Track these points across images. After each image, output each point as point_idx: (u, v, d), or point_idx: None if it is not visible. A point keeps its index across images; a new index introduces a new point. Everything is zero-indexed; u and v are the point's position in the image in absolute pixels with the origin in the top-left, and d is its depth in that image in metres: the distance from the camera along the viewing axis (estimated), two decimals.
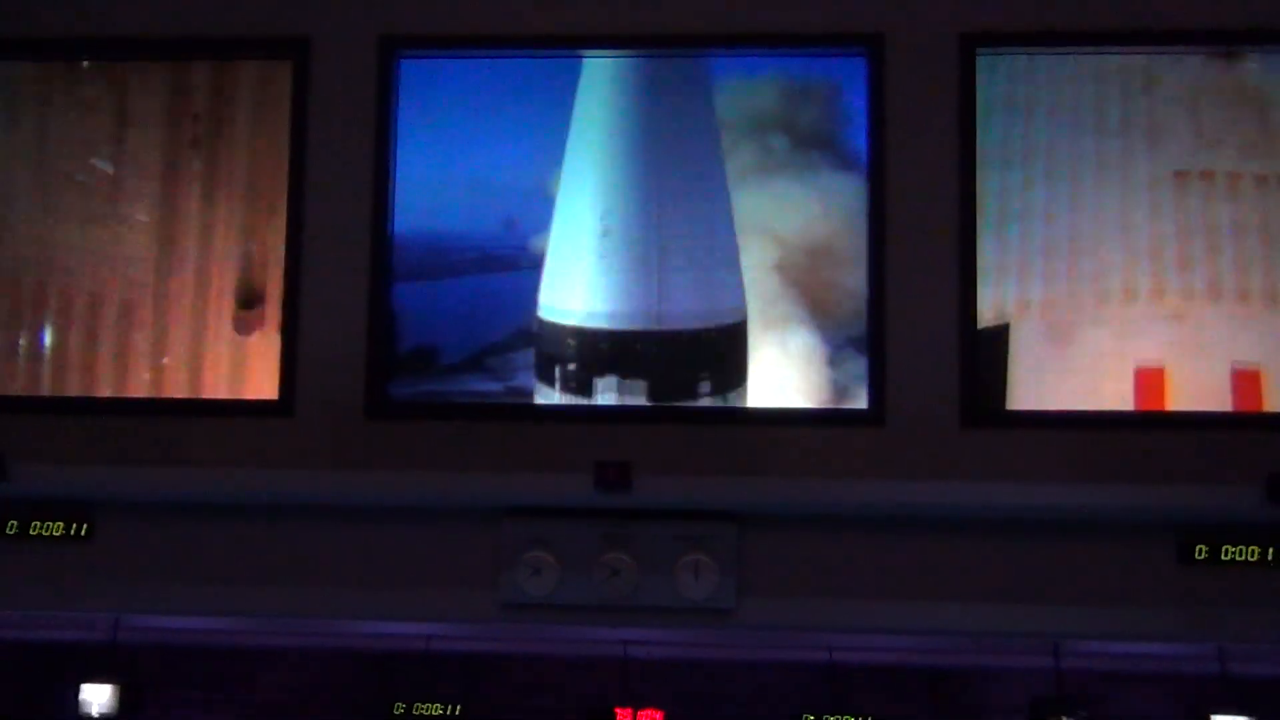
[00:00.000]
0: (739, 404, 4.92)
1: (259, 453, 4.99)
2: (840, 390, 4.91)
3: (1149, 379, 4.52)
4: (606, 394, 4.94)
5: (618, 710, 7.27)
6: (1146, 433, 4.81)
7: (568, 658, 7.81)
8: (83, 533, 5.09)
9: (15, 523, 5.09)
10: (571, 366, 4.97)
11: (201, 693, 8.52)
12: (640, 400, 4.92)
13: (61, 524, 5.09)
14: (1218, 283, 4.56)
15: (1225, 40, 4.97)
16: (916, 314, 4.90)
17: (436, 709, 7.36)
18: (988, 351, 4.76)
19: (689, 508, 4.93)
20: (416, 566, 5.02)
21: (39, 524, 5.09)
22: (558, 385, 4.98)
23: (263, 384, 5.03)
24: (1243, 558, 4.77)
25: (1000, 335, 4.75)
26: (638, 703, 7.29)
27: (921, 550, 4.89)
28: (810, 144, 5.01)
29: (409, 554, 5.02)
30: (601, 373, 4.96)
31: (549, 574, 4.91)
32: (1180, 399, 4.56)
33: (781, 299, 4.94)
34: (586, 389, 4.98)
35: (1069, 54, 5.02)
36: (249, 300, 5.10)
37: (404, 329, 5.11)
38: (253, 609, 5.27)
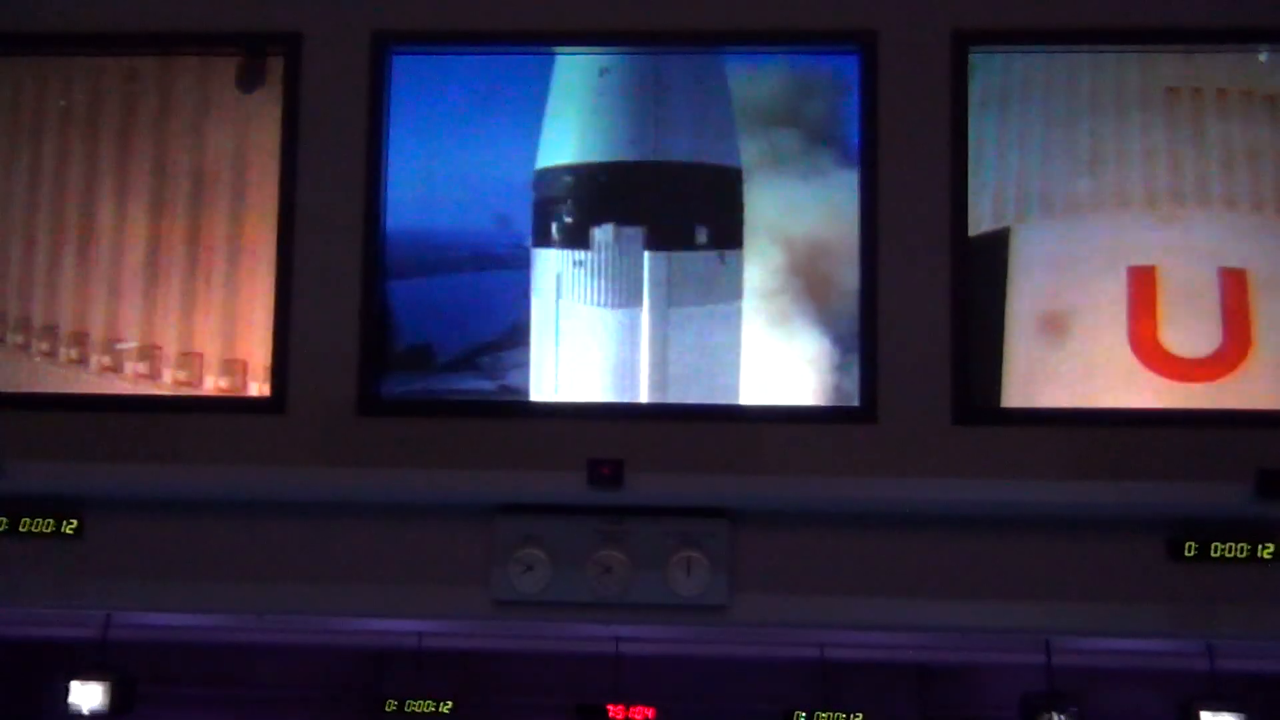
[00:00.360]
0: (736, 266, 4.95)
1: (251, 449, 4.97)
2: (846, 394, 4.93)
3: (1141, 278, 4.70)
4: (603, 242, 4.95)
5: (610, 706, 7.29)
6: (1136, 430, 4.83)
7: (560, 654, 7.82)
8: (73, 530, 5.07)
9: (5, 520, 5.06)
10: (568, 218, 5.00)
11: (192, 689, 8.52)
12: (638, 246, 4.94)
13: (51, 521, 5.06)
14: (1207, 190, 4.78)
15: (1221, 39, 4.99)
16: (909, 311, 4.91)
17: (428, 705, 7.36)
18: (989, 256, 4.84)
19: (681, 504, 4.93)
20: (408, 563, 5.01)
21: (29, 521, 5.06)
22: (555, 239, 5.00)
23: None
24: (1232, 554, 4.80)
25: (1001, 239, 4.84)
26: (630, 699, 7.30)
27: (913, 547, 4.90)
28: (817, 140, 5.04)
29: (401, 551, 5.02)
30: (598, 218, 4.98)
31: (541, 571, 4.92)
32: (1170, 297, 4.73)
33: (783, 294, 4.97)
34: (584, 239, 4.99)
35: (1062, 52, 5.05)
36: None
37: (396, 326, 5.11)
38: (244, 606, 5.26)
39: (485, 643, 7.71)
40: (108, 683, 6.24)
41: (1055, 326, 4.79)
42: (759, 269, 4.98)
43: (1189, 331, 4.73)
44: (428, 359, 5.10)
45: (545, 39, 5.18)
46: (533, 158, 5.11)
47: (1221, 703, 5.93)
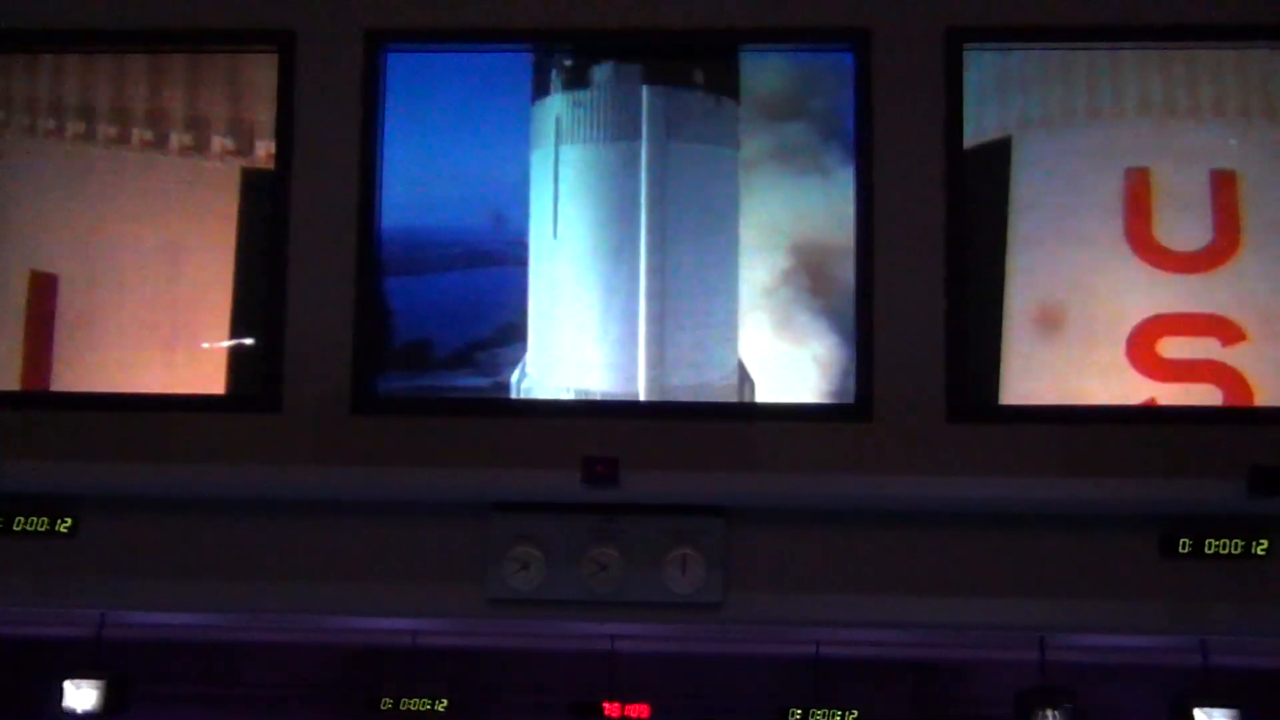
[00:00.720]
0: (732, 116, 5.01)
1: (245, 448, 4.97)
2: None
3: (1136, 179, 4.87)
4: (602, 80, 5.04)
5: (605, 704, 7.28)
6: (1130, 426, 4.85)
7: (555, 652, 7.81)
8: (67, 529, 5.06)
9: None
10: (567, 61, 5.08)
11: (187, 688, 8.50)
12: (635, 80, 5.02)
13: (45, 520, 5.06)
14: (1198, 98, 4.98)
15: (1217, 35, 5.02)
16: (904, 309, 4.92)
17: (423, 704, 7.34)
18: (990, 167, 4.96)
19: (676, 502, 4.94)
20: (403, 562, 5.01)
21: (22, 520, 5.06)
22: (555, 87, 5.08)
23: None
24: (1225, 551, 4.82)
25: (1003, 149, 4.98)
26: (625, 696, 7.30)
27: (907, 544, 4.91)
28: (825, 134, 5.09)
29: (396, 549, 5.02)
30: (596, 60, 5.06)
31: (536, 569, 4.92)
32: (1163, 198, 4.88)
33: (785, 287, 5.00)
34: (583, 80, 5.08)
35: (1055, 49, 5.06)
36: None
37: (391, 324, 5.10)
38: (238, 604, 5.26)
39: (480, 641, 7.69)
40: (102, 682, 6.22)
41: (1054, 231, 4.91)
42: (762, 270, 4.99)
43: (1182, 228, 4.87)
44: (423, 357, 5.10)
45: (539, 37, 5.18)
46: (527, 155, 5.11)
47: (1215, 699, 5.93)
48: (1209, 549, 4.81)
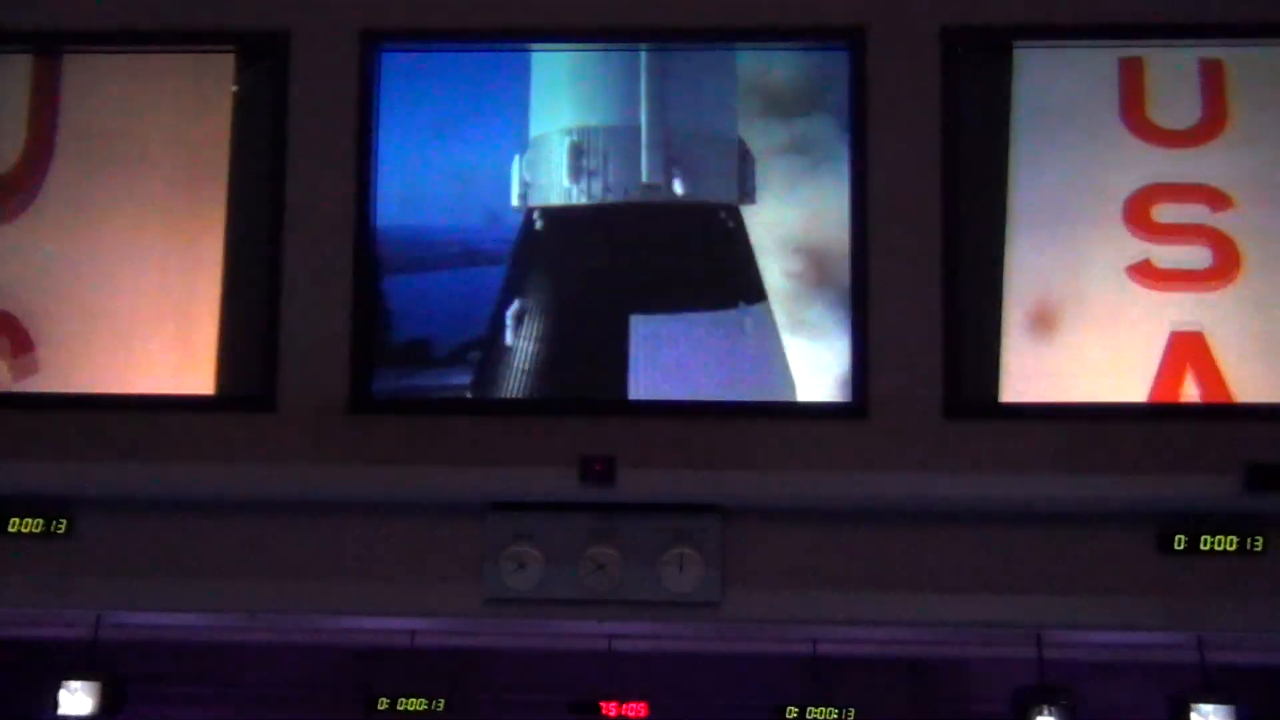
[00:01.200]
0: None
1: (241, 448, 4.96)
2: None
3: (1130, 68, 5.13)
4: None
5: (602, 703, 7.29)
6: (1126, 424, 4.85)
7: (553, 651, 7.81)
8: (63, 530, 5.05)
9: None
10: None
11: (184, 689, 8.49)
12: None
13: (41, 521, 5.05)
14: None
15: (1207, 34, 5.03)
16: (900, 307, 4.92)
17: (420, 704, 7.34)
18: (994, 54, 5.10)
19: (674, 501, 4.94)
20: (400, 561, 5.00)
21: (17, 521, 5.05)
22: None
23: None
24: (1221, 547, 4.83)
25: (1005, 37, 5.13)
26: (622, 695, 7.30)
27: (904, 542, 4.91)
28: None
29: (393, 549, 5.01)
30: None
31: (533, 568, 4.91)
32: (1156, 89, 5.12)
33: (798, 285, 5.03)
34: None
35: (1050, 48, 5.06)
36: None
37: (387, 323, 5.10)
38: (236, 604, 5.25)
39: (478, 640, 7.69)
40: (98, 683, 6.21)
41: (1056, 116, 5.10)
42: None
43: (1173, 108, 5.10)
44: (419, 356, 5.09)
45: (534, 36, 5.17)
46: (523, 154, 5.12)
47: (1213, 695, 5.94)
48: (1205, 546, 4.82)
